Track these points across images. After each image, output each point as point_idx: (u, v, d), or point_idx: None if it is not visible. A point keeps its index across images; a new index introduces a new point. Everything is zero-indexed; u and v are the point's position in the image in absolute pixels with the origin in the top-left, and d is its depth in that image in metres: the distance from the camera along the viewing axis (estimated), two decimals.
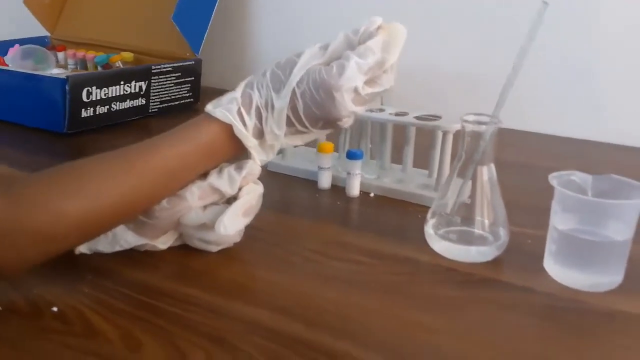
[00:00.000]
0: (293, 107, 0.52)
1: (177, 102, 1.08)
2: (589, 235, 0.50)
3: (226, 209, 0.53)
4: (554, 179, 0.51)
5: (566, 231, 0.51)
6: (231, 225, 0.53)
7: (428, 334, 0.46)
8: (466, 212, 0.56)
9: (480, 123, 0.54)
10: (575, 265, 0.51)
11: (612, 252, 0.50)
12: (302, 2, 1.18)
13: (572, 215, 0.51)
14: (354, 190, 0.71)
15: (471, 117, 0.55)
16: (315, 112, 0.52)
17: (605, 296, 0.50)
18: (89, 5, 1.28)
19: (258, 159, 0.55)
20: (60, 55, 1.21)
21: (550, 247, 0.53)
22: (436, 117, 0.69)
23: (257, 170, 0.55)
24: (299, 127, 0.53)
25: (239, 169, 0.54)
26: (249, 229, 0.57)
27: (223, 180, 0.53)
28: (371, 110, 0.72)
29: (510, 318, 0.48)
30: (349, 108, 0.52)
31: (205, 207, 0.54)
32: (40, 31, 1.29)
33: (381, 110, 0.72)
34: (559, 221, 0.51)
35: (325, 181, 0.73)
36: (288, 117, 0.53)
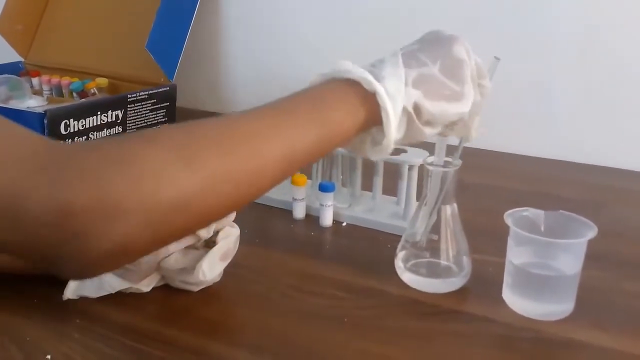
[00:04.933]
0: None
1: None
2: (541, 269, 0.55)
3: (205, 255, 0.56)
4: (508, 217, 0.56)
5: (520, 265, 0.55)
6: (210, 271, 0.56)
7: None
8: (432, 246, 0.60)
9: (441, 166, 0.58)
10: (529, 296, 0.55)
11: (563, 284, 0.55)
12: (273, 20, 1.21)
13: (525, 249, 0.56)
14: (327, 220, 0.75)
15: (433, 159, 0.59)
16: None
17: (558, 324, 0.55)
18: (61, 30, 1.29)
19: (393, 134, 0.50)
20: (35, 81, 1.23)
21: (507, 279, 0.57)
22: (403, 150, 0.73)
23: (232, 214, 0.58)
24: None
25: None
26: (228, 265, 0.61)
27: None
28: None
29: (471, 349, 0.52)
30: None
31: (184, 250, 0.57)
32: (14, 57, 1.30)
33: None
34: (514, 256, 0.56)
35: (299, 212, 0.77)
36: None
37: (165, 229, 0.40)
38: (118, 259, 0.40)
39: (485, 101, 0.54)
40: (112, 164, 0.38)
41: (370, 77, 0.48)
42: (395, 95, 0.48)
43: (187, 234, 0.43)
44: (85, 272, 0.41)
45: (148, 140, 0.41)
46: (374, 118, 0.49)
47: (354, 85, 0.49)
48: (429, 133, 0.52)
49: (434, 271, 0.60)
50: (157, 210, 0.38)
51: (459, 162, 0.58)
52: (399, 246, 0.62)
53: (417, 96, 0.49)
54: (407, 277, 0.61)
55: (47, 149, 0.39)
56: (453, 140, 0.58)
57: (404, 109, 0.49)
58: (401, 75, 0.49)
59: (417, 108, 0.49)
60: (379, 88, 0.48)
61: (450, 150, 0.59)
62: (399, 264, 0.62)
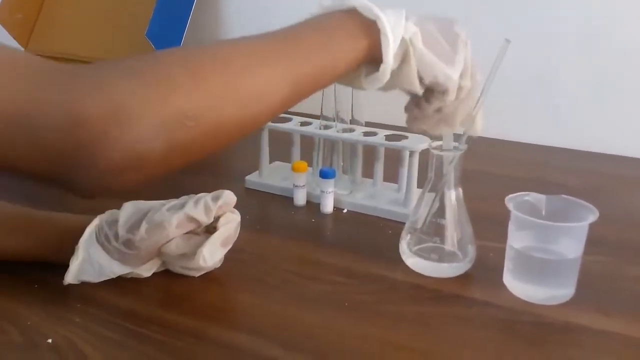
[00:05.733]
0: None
1: None
2: (543, 253, 0.55)
3: (205, 241, 0.56)
4: (510, 201, 0.56)
5: (521, 249, 0.55)
6: (211, 257, 0.56)
7: (397, 353, 0.50)
8: (437, 231, 0.60)
9: (446, 150, 0.58)
10: (530, 281, 0.55)
11: (565, 268, 0.55)
12: (273, 11, 1.21)
13: (526, 233, 0.56)
14: (328, 207, 0.74)
15: (438, 144, 0.59)
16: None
17: (559, 308, 0.55)
18: (61, 19, 1.29)
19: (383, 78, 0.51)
20: None
21: (507, 264, 0.57)
22: (404, 136, 0.73)
23: (233, 200, 0.58)
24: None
25: (215, 199, 0.57)
26: (229, 250, 0.60)
27: (199, 210, 0.56)
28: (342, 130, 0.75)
29: (472, 333, 0.52)
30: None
31: (185, 236, 0.57)
32: (14, 46, 1.30)
33: (351, 130, 0.75)
34: (515, 240, 0.56)
35: (300, 198, 0.77)
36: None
37: (177, 141, 0.40)
38: (132, 170, 0.39)
39: (475, 93, 0.55)
40: (121, 75, 0.39)
41: (371, 5, 0.49)
42: (395, 25, 0.49)
43: (201, 152, 0.43)
44: (100, 185, 0.40)
45: (156, 59, 0.42)
46: (373, 48, 0.49)
47: (355, 15, 0.49)
48: (416, 84, 0.52)
49: (438, 256, 0.60)
50: (168, 118, 0.39)
51: (464, 147, 0.58)
52: (404, 231, 0.62)
53: (413, 32, 0.50)
54: (412, 261, 0.61)
55: (55, 64, 0.39)
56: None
57: (402, 40, 0.49)
58: (402, 13, 0.50)
59: (412, 44, 0.50)
60: (380, 14, 0.48)
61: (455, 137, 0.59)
62: (403, 248, 0.62)
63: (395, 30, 0.49)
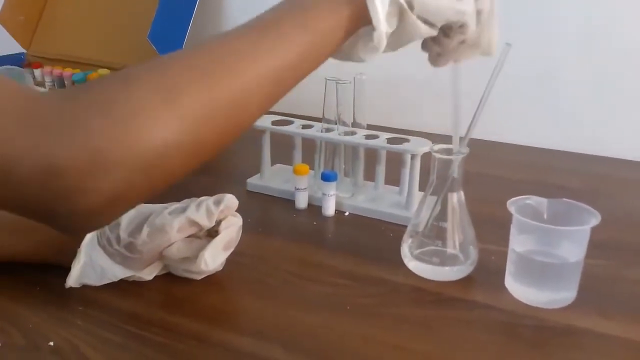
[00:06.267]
0: None
1: None
2: (544, 257, 0.55)
3: (207, 244, 0.56)
4: (511, 205, 0.56)
5: (523, 253, 0.55)
6: (212, 261, 0.56)
7: (398, 355, 0.50)
8: (439, 234, 0.60)
9: (448, 153, 0.59)
10: (532, 284, 0.55)
11: (566, 272, 0.55)
12: None
13: (528, 237, 0.56)
14: (329, 210, 0.75)
15: (440, 147, 0.59)
16: None
17: (561, 312, 0.55)
18: (63, 22, 1.29)
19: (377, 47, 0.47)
20: (37, 72, 1.22)
21: (509, 267, 0.57)
22: (406, 139, 0.73)
23: (235, 204, 0.58)
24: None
25: (217, 202, 0.57)
26: (231, 253, 0.60)
27: (201, 213, 0.56)
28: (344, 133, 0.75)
29: (473, 336, 0.52)
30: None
31: (187, 239, 0.57)
32: (16, 48, 1.30)
33: (353, 133, 0.75)
34: (517, 243, 0.56)
35: (302, 201, 0.77)
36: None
37: (161, 173, 0.39)
38: (117, 208, 0.39)
39: (495, 8, 0.51)
40: (95, 113, 0.36)
41: None
42: None
43: (186, 171, 0.41)
44: (85, 227, 0.40)
45: (127, 83, 0.38)
46: (361, 15, 0.45)
47: None
48: (426, 31, 0.47)
49: (440, 259, 0.60)
50: (148, 154, 0.37)
51: (466, 150, 0.58)
52: (406, 234, 0.62)
53: None
54: (414, 265, 0.61)
55: (27, 103, 0.37)
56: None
57: None
58: None
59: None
60: None
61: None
62: (405, 251, 0.62)
63: None
